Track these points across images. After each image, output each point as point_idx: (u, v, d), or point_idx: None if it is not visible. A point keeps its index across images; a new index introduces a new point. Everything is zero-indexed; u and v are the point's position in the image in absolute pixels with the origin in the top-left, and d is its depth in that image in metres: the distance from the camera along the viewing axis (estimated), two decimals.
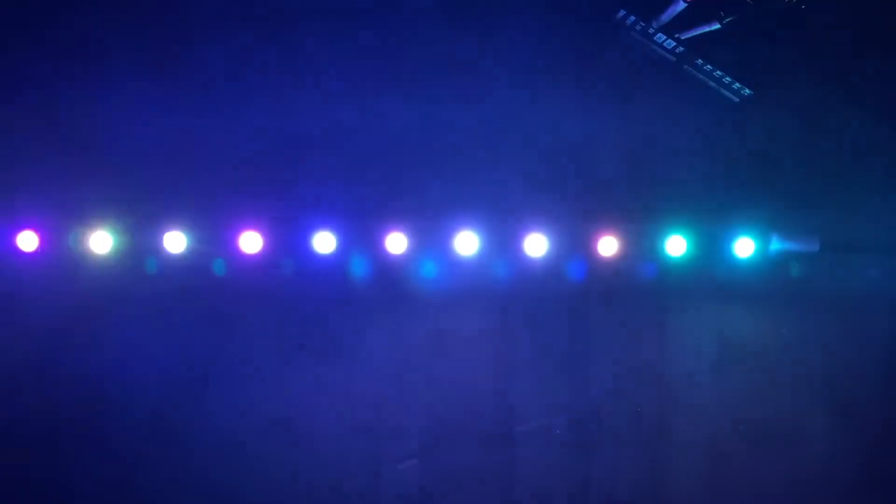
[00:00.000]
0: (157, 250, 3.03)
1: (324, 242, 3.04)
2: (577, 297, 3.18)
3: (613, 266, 3.10)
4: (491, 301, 3.18)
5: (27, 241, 3.00)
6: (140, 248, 3.04)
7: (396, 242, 3.04)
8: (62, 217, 3.05)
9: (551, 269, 3.12)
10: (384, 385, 3.19)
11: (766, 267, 3.10)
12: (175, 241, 3.02)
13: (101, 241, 3.01)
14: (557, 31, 3.21)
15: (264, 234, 3.04)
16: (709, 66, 3.06)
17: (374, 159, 3.18)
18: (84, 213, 3.05)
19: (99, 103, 3.16)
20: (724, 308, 3.21)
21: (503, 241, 3.06)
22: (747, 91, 3.08)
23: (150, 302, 3.13)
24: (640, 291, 3.18)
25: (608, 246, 3.05)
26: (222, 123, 3.18)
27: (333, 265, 3.11)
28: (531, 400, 3.20)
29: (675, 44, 3.05)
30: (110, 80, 3.16)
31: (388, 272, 3.13)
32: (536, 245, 3.03)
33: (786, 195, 3.17)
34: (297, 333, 3.18)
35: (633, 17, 3.04)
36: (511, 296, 3.17)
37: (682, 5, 2.88)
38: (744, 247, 3.05)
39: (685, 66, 3.13)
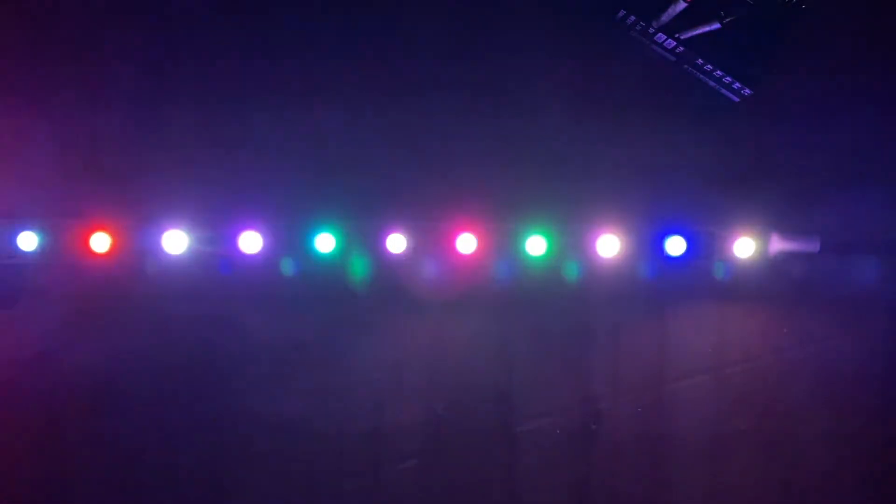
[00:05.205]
0: (157, 250, 3.03)
1: (324, 242, 3.04)
2: (577, 297, 3.18)
3: (613, 266, 3.10)
4: (491, 301, 3.18)
5: (27, 241, 2.99)
6: (140, 247, 3.03)
7: (396, 242, 3.04)
8: (62, 217, 3.05)
9: (551, 269, 3.12)
10: (384, 385, 3.19)
11: (766, 267, 3.10)
12: (175, 241, 3.02)
13: (101, 241, 3.01)
14: (557, 30, 3.22)
15: (264, 235, 3.04)
16: (709, 66, 3.06)
17: (376, 159, 3.18)
18: (84, 214, 3.05)
19: (98, 102, 3.17)
20: (724, 308, 3.21)
21: (504, 241, 3.06)
22: (747, 91, 3.08)
23: (149, 302, 3.13)
24: (640, 291, 3.18)
25: (608, 246, 3.05)
26: (223, 123, 3.18)
27: (333, 265, 3.11)
28: (531, 400, 3.21)
29: (675, 44, 3.05)
30: (110, 78, 3.17)
31: (388, 272, 3.13)
32: (537, 245, 3.03)
33: (786, 195, 3.17)
34: (297, 333, 3.18)
35: (633, 17, 3.05)
36: (511, 296, 3.17)
37: (682, 5, 2.89)
38: (743, 247, 3.05)
39: (685, 66, 3.13)
